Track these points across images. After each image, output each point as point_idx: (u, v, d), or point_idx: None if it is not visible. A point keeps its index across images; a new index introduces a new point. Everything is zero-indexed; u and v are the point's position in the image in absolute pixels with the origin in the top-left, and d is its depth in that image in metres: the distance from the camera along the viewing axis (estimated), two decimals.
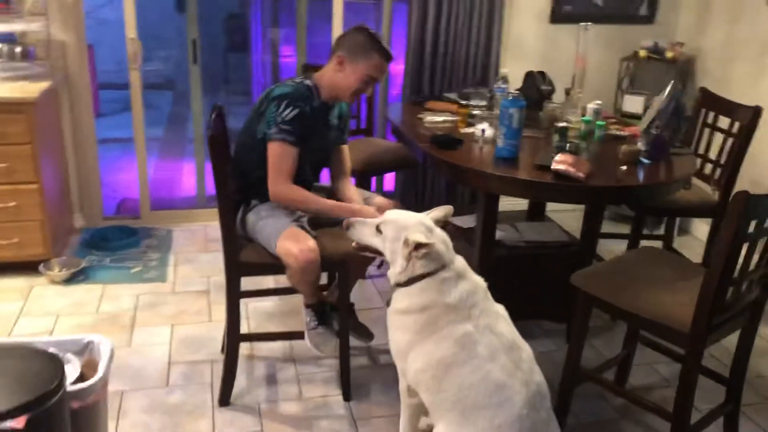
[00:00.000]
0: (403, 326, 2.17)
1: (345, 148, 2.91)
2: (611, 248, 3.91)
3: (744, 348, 2.45)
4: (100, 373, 2.00)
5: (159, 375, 2.88)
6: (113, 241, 4.00)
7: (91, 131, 4.12)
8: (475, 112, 3.32)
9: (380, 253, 2.22)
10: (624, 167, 2.64)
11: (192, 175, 5.05)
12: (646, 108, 3.58)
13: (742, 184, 3.18)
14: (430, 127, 3.13)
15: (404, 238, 2.09)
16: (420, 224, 2.13)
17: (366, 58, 2.59)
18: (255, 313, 3.37)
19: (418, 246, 2.05)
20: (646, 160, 2.70)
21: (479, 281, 2.16)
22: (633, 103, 4.11)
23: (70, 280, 3.58)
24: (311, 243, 2.48)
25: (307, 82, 2.64)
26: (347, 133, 2.94)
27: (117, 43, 4.22)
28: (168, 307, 3.41)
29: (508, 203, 3.18)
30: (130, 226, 4.21)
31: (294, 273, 2.51)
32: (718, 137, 3.41)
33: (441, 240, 2.11)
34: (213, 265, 3.84)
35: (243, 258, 2.57)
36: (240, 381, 2.82)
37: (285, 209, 2.62)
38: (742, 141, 3.22)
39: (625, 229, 4.14)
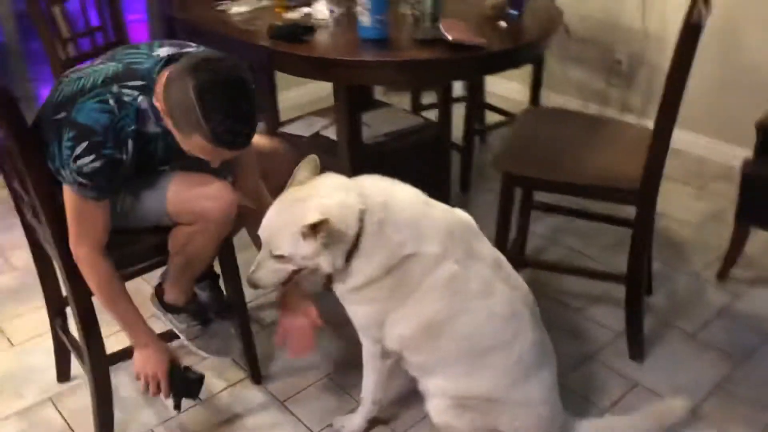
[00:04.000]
0: (368, 299, 1.69)
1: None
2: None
3: None
4: None
5: None
6: None
7: None
8: None
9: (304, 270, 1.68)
10: (502, 23, 2.30)
11: None
12: None
13: None
14: (242, 20, 2.46)
15: (297, 237, 1.57)
16: (290, 207, 1.60)
17: (187, 133, 1.55)
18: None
19: (314, 228, 1.53)
20: (513, 11, 2.39)
21: (410, 194, 1.70)
22: None
23: None
24: (221, 182, 1.75)
25: (141, 100, 1.61)
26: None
27: None
28: None
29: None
30: None
31: (206, 230, 1.74)
32: None
33: (328, 195, 1.59)
34: None
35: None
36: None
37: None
38: None
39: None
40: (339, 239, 1.57)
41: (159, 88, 1.60)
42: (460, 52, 2.04)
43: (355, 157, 2.43)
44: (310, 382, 2.22)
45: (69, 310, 2.16)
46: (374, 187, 1.66)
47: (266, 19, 2.45)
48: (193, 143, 1.55)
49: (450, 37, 2.03)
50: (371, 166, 1.78)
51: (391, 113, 2.90)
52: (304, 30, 2.22)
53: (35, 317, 2.53)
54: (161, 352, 1.83)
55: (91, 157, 1.57)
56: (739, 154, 3.29)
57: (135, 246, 1.84)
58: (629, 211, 2.12)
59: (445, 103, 2.72)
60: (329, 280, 1.72)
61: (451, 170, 2.92)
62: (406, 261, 1.64)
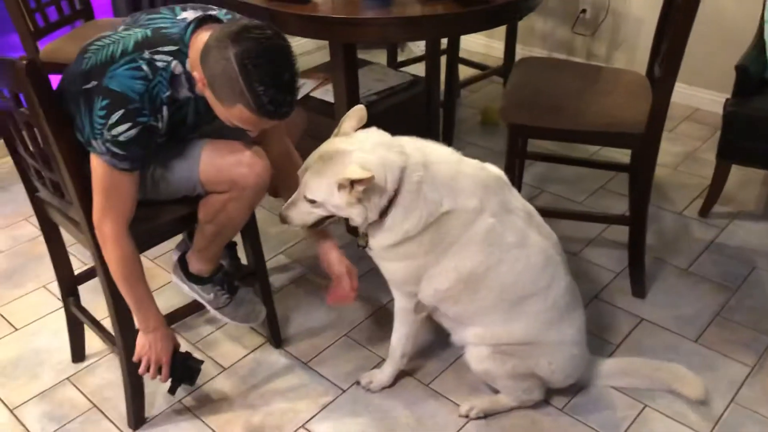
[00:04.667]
0: (404, 255, 1.72)
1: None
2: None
3: None
4: None
5: None
6: None
7: None
8: None
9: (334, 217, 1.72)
10: None
11: None
12: None
13: None
14: None
15: (333, 187, 1.60)
16: (332, 156, 1.61)
17: (229, 103, 1.51)
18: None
19: (352, 182, 1.56)
20: None
21: (445, 153, 1.74)
22: None
23: None
24: (254, 148, 1.72)
25: (174, 65, 1.57)
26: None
27: None
28: None
29: None
30: None
31: (241, 197, 1.71)
32: None
33: (371, 150, 1.60)
34: None
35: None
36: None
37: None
38: None
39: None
40: (375, 195, 1.60)
41: (193, 53, 1.56)
42: (467, 6, 2.05)
43: None
44: (329, 342, 2.25)
45: (80, 287, 2.13)
46: (413, 146, 1.68)
47: None
48: (235, 113, 1.53)
49: None
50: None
51: (378, 71, 2.89)
52: None
53: (34, 299, 2.47)
54: (168, 337, 1.81)
55: (127, 125, 1.52)
56: (698, 94, 3.45)
57: (159, 219, 1.80)
58: (611, 155, 2.18)
59: (433, 58, 2.72)
60: (363, 237, 1.74)
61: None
62: (444, 217, 1.67)
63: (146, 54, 1.55)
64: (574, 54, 3.91)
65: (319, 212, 1.69)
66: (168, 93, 1.58)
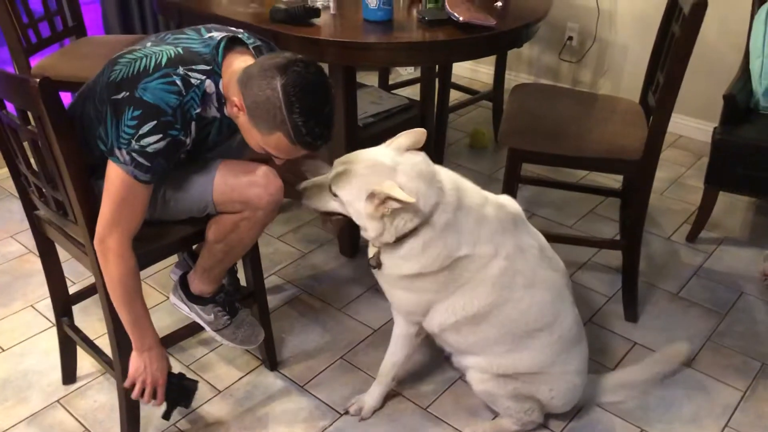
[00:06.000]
0: (417, 288, 1.73)
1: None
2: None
3: None
4: None
5: None
6: None
7: None
8: None
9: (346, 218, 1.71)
10: (498, 3, 2.35)
11: None
12: None
13: None
14: (238, 2, 2.41)
15: (363, 194, 1.59)
16: (375, 164, 1.60)
17: (267, 131, 1.54)
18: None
19: (386, 199, 1.55)
20: None
21: (475, 195, 1.72)
22: None
23: None
24: (267, 167, 1.72)
25: (208, 84, 1.58)
26: None
27: None
28: None
29: None
30: None
31: (253, 217, 1.71)
32: None
33: (415, 177, 1.58)
34: None
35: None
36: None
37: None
38: None
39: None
40: (401, 220, 1.58)
41: (227, 77, 1.59)
42: (470, 33, 2.08)
43: (351, 139, 2.43)
44: (325, 365, 2.23)
45: (74, 308, 2.10)
46: (450, 184, 1.66)
47: (261, 1, 2.41)
48: (271, 141, 1.55)
49: (460, 18, 2.07)
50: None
51: (373, 94, 2.91)
52: (306, 12, 2.18)
53: (21, 319, 2.42)
54: (163, 357, 1.78)
55: (158, 136, 1.52)
56: (681, 122, 3.53)
57: (163, 240, 1.78)
58: (601, 180, 2.18)
59: (428, 82, 2.75)
60: (376, 257, 1.73)
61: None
62: (459, 261, 1.67)
63: (181, 70, 1.56)
64: (560, 80, 3.97)
65: (336, 206, 1.68)
66: (198, 110, 1.58)
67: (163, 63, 1.56)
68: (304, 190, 1.71)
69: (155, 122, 1.52)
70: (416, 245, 1.63)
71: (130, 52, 1.61)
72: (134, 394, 1.77)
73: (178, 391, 1.84)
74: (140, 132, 1.52)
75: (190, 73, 1.56)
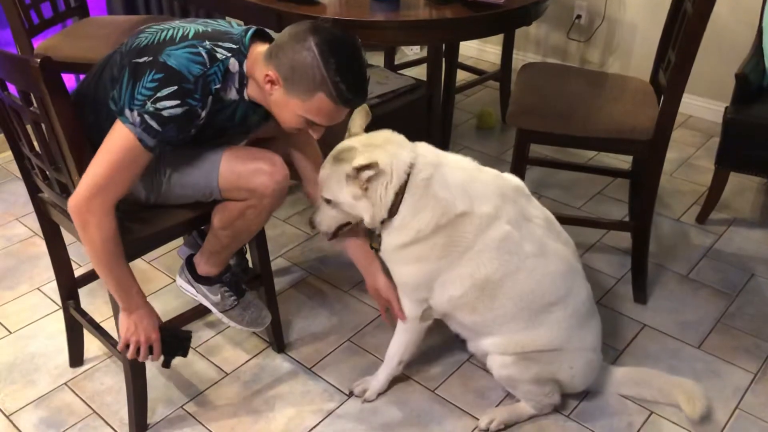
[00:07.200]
0: (415, 257, 1.72)
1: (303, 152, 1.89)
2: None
3: None
4: None
5: None
6: None
7: None
8: None
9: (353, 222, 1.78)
10: None
11: None
12: None
13: None
14: None
15: (343, 181, 1.65)
16: (340, 153, 1.68)
17: (308, 94, 1.52)
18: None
19: (360, 170, 1.60)
20: None
21: (462, 159, 1.76)
22: None
23: None
24: (273, 155, 1.71)
25: (232, 62, 1.58)
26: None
27: None
28: None
29: None
30: None
31: (259, 204, 1.70)
32: None
33: (380, 146, 1.66)
34: None
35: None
36: None
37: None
38: None
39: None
40: (380, 185, 1.61)
41: (252, 59, 1.59)
42: (478, 11, 2.04)
43: None
44: (332, 347, 2.22)
45: (80, 290, 2.09)
46: (427, 148, 1.69)
47: None
48: (314, 104, 1.54)
49: None
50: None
51: (379, 74, 2.87)
52: None
53: (28, 301, 2.41)
54: (153, 314, 1.76)
55: (175, 102, 1.51)
56: (691, 101, 3.48)
57: (166, 222, 1.76)
58: (609, 161, 2.17)
59: (435, 62, 2.72)
60: (377, 238, 1.74)
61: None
62: (458, 220, 1.66)
63: (207, 44, 1.56)
64: (568, 60, 3.93)
65: (336, 214, 1.72)
66: (218, 86, 1.57)
67: (191, 35, 1.57)
68: (313, 219, 1.79)
69: (176, 87, 1.51)
70: (407, 211, 1.65)
71: (156, 24, 1.63)
72: (129, 354, 1.75)
73: (173, 343, 1.83)
74: (159, 94, 1.50)
75: (216, 48, 1.56)
